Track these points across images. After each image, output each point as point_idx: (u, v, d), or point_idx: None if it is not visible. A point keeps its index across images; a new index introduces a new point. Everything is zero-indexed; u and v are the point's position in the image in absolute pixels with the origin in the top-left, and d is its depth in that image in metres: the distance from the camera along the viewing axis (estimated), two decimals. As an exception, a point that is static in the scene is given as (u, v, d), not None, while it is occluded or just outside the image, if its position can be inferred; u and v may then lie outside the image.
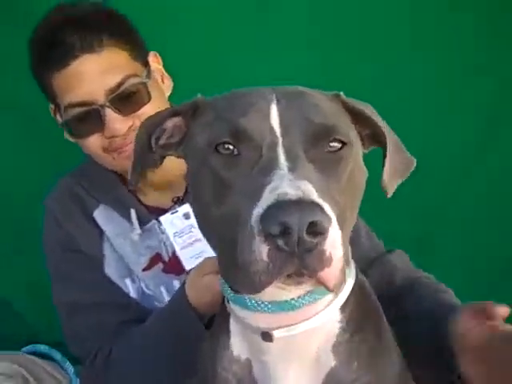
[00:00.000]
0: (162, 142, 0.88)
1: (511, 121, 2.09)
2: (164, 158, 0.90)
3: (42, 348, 1.44)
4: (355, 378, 0.84)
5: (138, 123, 1.29)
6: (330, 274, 0.66)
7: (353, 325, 0.86)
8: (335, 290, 0.69)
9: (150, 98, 1.33)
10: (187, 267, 1.33)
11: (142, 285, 1.41)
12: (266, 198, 0.65)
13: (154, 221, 1.40)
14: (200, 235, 1.22)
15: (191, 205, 0.89)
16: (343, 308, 0.85)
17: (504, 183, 2.11)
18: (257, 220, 0.64)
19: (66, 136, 1.40)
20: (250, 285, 0.66)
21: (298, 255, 0.64)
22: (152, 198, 1.45)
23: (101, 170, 1.42)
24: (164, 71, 1.47)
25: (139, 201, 1.44)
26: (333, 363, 0.84)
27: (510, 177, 2.10)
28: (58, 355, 1.41)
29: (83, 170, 1.49)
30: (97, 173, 1.44)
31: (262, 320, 0.82)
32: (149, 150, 0.88)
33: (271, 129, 0.74)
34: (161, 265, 1.40)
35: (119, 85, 1.30)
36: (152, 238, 1.39)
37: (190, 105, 0.85)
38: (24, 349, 1.43)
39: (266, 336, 0.81)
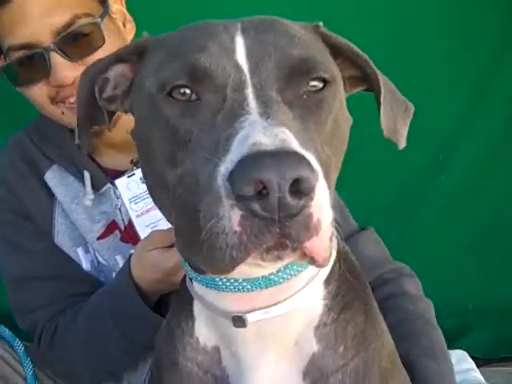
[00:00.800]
0: (106, 94, 0.74)
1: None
2: (113, 114, 0.77)
3: (-11, 324, 1.33)
4: (342, 364, 0.73)
5: None
6: (318, 244, 0.54)
7: (339, 302, 0.74)
8: (324, 264, 0.57)
9: (103, 41, 1.18)
10: (143, 237, 1.20)
11: (97, 254, 1.28)
12: (236, 151, 0.53)
13: (109, 184, 1.28)
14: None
15: (141, 167, 0.74)
16: (327, 282, 0.73)
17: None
18: (224, 179, 0.52)
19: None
20: (217, 263, 0.54)
21: (279, 222, 0.51)
22: (110, 159, 1.33)
23: (54, 125, 1.30)
24: (127, 14, 1.30)
25: (95, 162, 1.31)
26: (315, 348, 0.73)
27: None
28: (6, 332, 1.30)
29: (35, 126, 1.36)
30: (49, 128, 1.32)
31: (232, 302, 0.70)
32: (94, 105, 0.74)
33: (236, 65, 0.61)
34: (118, 233, 1.30)
35: (68, 25, 1.15)
36: (107, 203, 1.29)
37: (135, 46, 0.72)
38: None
39: (238, 321, 0.69)
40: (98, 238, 1.30)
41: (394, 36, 2.12)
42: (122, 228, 1.30)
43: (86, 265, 1.33)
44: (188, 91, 0.62)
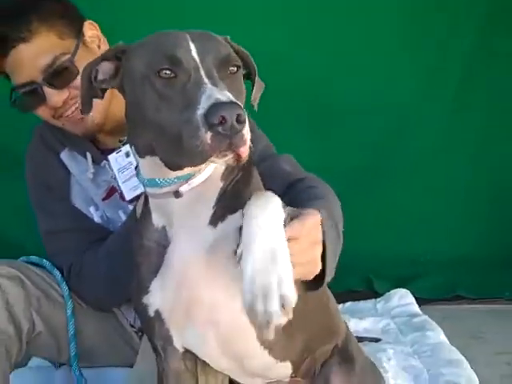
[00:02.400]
0: (98, 78, 1.16)
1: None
2: (105, 90, 1.18)
3: (34, 258, 1.72)
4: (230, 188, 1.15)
5: (73, 93, 1.59)
6: (245, 150, 0.97)
7: (231, 172, 1.16)
8: (243, 161, 0.99)
9: (78, 72, 1.57)
10: (127, 197, 1.62)
11: (105, 211, 1.74)
12: (206, 102, 0.93)
13: (105, 161, 1.70)
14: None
15: (133, 119, 1.10)
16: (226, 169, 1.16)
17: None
18: (202, 115, 0.92)
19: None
20: (195, 159, 0.96)
21: (230, 136, 0.93)
22: (105, 142, 1.75)
23: None
24: (101, 36, 1.70)
25: (94, 145, 1.74)
26: (221, 184, 1.14)
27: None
28: (47, 264, 1.71)
29: None
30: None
31: (168, 190, 1.11)
32: (91, 86, 1.16)
33: (193, 58, 1.02)
34: (117, 194, 1.71)
35: (51, 64, 1.56)
36: (106, 174, 1.71)
37: (115, 51, 1.14)
38: (19, 259, 1.74)
39: (176, 193, 1.10)
40: (103, 199, 1.73)
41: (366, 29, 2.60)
42: (119, 191, 1.70)
43: (97, 219, 1.75)
44: (168, 72, 1.00)
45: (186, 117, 0.95)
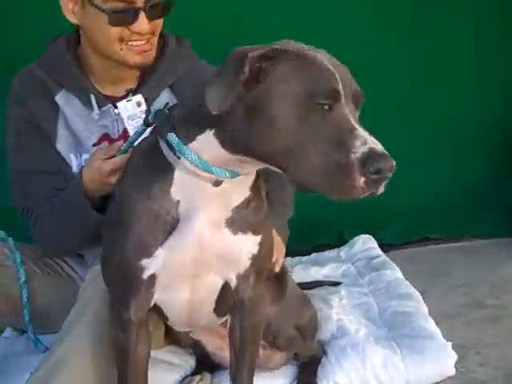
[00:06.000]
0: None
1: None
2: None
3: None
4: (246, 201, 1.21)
5: (153, 27, 1.67)
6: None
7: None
8: None
9: (169, 12, 1.70)
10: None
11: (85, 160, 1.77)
12: (361, 147, 0.94)
13: (109, 105, 1.75)
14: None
15: (259, 131, 1.03)
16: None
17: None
18: (357, 160, 0.93)
19: (73, 20, 1.69)
20: (343, 194, 0.96)
21: (380, 183, 0.95)
22: (107, 89, 1.79)
23: (62, 62, 1.76)
24: None
25: (97, 89, 1.78)
26: (248, 193, 1.20)
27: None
28: (1, 232, 1.81)
29: (45, 60, 1.80)
30: (59, 63, 1.77)
31: (212, 176, 1.12)
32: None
33: (341, 94, 1.00)
34: (106, 143, 1.76)
35: None
36: (107, 118, 1.76)
37: (271, 50, 1.03)
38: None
39: (217, 183, 1.13)
40: (93, 145, 1.76)
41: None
42: (113, 137, 1.74)
43: (75, 168, 1.78)
44: (327, 107, 0.98)
45: (338, 156, 0.95)
